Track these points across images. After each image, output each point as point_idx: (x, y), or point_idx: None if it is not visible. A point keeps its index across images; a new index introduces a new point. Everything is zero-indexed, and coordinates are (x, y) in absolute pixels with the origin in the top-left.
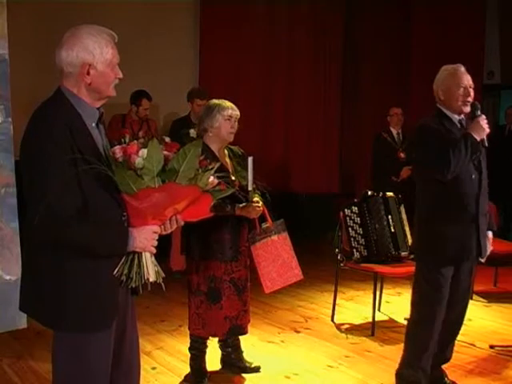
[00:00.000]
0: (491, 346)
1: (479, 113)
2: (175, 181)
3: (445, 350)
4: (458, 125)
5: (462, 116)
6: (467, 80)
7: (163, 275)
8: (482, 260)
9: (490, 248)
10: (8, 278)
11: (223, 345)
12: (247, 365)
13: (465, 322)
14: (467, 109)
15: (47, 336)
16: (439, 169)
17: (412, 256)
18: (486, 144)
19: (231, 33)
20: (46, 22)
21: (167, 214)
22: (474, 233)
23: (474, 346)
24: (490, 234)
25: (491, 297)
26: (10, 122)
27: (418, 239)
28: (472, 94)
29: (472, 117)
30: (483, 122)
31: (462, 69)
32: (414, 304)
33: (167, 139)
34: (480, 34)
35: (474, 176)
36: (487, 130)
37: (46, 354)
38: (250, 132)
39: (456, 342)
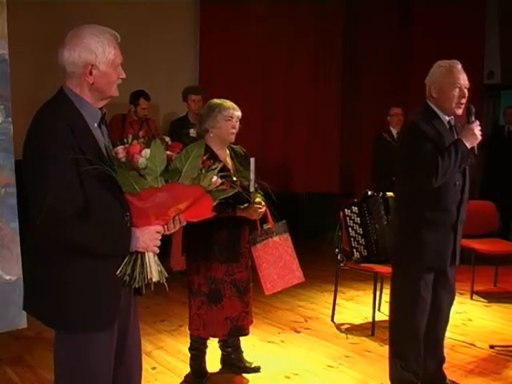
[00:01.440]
0: (491, 346)
1: (473, 118)
2: (178, 181)
3: (442, 351)
4: (447, 125)
5: (452, 117)
6: (463, 79)
7: (166, 275)
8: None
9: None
10: (8, 278)
11: (223, 345)
12: (247, 365)
13: (465, 322)
14: (460, 111)
15: (47, 336)
16: (426, 176)
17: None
18: (476, 152)
19: (231, 33)
20: (46, 22)
21: (170, 214)
22: (452, 240)
23: (474, 345)
24: None
25: (491, 297)
26: (9, 122)
27: (397, 244)
28: (467, 95)
29: (466, 121)
30: (477, 129)
31: (459, 66)
32: (394, 309)
33: (167, 139)
34: (480, 34)
35: (458, 183)
36: (479, 138)
37: (46, 354)
38: (250, 132)
39: (456, 342)
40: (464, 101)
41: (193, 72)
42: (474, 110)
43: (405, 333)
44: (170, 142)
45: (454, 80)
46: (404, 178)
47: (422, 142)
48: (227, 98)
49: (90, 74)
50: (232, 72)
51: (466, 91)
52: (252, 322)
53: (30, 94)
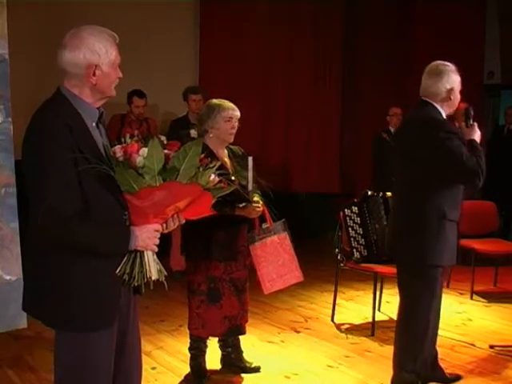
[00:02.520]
0: (491, 346)
1: (471, 121)
2: (176, 179)
3: (435, 345)
4: None
5: None
6: None
7: (165, 273)
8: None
9: None
10: (8, 278)
11: (223, 345)
12: (247, 365)
13: (465, 322)
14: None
15: (47, 336)
16: (473, 174)
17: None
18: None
19: (231, 33)
20: (45, 22)
21: (168, 213)
22: (456, 235)
23: (474, 346)
24: None
25: (491, 297)
26: (9, 121)
27: (413, 243)
28: None
29: (465, 124)
30: (477, 128)
31: None
32: (408, 310)
33: (163, 138)
34: (480, 34)
35: None
36: (480, 137)
37: (46, 354)
38: (250, 132)
39: (456, 342)
40: None
41: (193, 72)
42: (472, 113)
43: (417, 335)
44: (165, 141)
45: (459, 82)
46: (427, 178)
47: (460, 143)
48: (227, 98)
49: (94, 74)
50: (232, 72)
51: None
52: (247, 320)
53: (30, 94)
